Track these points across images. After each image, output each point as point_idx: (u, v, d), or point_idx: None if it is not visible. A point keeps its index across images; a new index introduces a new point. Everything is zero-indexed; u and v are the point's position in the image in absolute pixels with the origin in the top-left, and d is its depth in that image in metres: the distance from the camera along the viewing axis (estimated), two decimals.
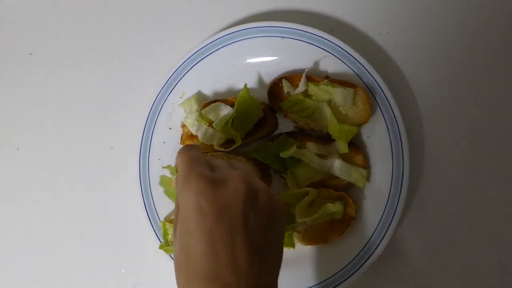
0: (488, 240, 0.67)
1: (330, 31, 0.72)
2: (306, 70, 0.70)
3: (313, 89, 0.68)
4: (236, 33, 0.75)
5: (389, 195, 0.66)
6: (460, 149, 0.70)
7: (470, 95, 0.71)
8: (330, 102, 0.68)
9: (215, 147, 0.71)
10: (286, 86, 0.70)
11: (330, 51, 0.70)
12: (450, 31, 0.73)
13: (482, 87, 0.71)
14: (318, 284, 0.67)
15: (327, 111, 0.67)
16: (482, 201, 0.68)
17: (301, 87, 0.69)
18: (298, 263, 0.69)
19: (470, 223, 0.68)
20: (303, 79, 0.68)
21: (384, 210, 0.66)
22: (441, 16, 0.74)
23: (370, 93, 0.68)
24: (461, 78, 0.72)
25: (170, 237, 0.73)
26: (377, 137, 0.68)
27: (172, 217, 0.75)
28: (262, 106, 0.71)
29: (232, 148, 0.71)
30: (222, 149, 0.71)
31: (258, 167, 0.71)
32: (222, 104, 0.72)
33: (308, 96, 0.70)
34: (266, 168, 0.74)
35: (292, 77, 0.71)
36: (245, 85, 0.70)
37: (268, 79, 0.75)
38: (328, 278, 0.67)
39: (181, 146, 0.76)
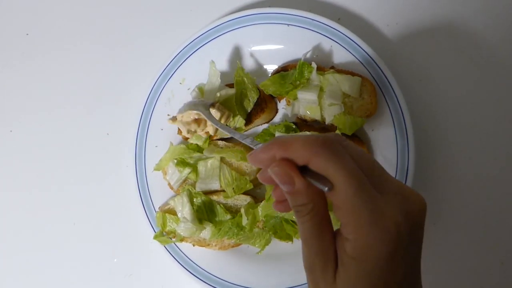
0: (490, 242, 0.66)
1: (337, 20, 0.71)
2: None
3: (318, 77, 0.66)
4: (239, 19, 0.73)
5: None
6: (466, 148, 0.69)
7: (482, 93, 0.69)
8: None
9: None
10: None
11: (337, 41, 0.69)
12: (463, 23, 0.71)
13: (493, 83, 0.69)
14: None
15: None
16: (485, 202, 0.67)
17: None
18: (297, 258, 0.67)
19: (472, 223, 0.67)
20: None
21: None
22: (453, 7, 0.72)
23: (377, 85, 0.66)
24: (473, 74, 0.70)
25: (168, 228, 0.71)
26: (382, 131, 0.67)
27: (168, 207, 0.73)
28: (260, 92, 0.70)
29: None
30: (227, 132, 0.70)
31: None
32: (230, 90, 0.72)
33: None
34: None
35: (294, 66, 0.69)
36: (238, 64, 0.70)
37: (271, 67, 0.74)
38: None
39: (178, 134, 0.74)
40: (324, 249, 0.39)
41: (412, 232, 0.38)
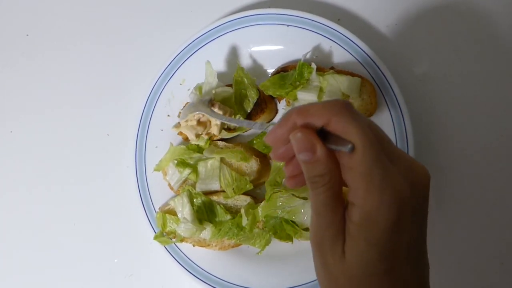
0: (490, 242, 0.66)
1: (337, 21, 0.71)
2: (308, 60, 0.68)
3: (318, 78, 0.66)
4: (239, 19, 0.73)
5: None
6: (466, 147, 0.69)
7: (482, 92, 0.69)
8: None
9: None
10: None
11: (337, 41, 0.69)
12: (462, 24, 0.71)
13: (494, 83, 0.69)
14: (316, 280, 0.65)
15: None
16: (485, 203, 0.67)
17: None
18: (297, 258, 0.68)
19: (473, 224, 0.67)
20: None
21: None
22: (452, 8, 0.72)
23: (377, 85, 0.66)
24: (474, 75, 0.70)
25: (168, 229, 0.71)
26: None
27: (168, 207, 0.73)
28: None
29: (234, 135, 0.70)
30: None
31: (258, 156, 0.69)
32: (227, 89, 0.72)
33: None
34: (266, 158, 0.72)
35: (294, 66, 0.69)
36: (238, 64, 0.70)
37: (271, 68, 0.74)
38: None
39: (179, 135, 0.74)
40: (336, 222, 0.39)
41: (417, 201, 0.39)
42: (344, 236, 0.39)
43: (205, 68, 0.71)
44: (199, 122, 0.70)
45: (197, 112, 0.68)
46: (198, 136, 0.71)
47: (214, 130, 0.70)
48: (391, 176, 0.37)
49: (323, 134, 0.39)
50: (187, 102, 0.74)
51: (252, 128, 0.52)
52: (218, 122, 0.69)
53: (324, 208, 0.40)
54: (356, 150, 0.37)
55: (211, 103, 0.68)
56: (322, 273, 0.42)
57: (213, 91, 0.71)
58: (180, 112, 0.75)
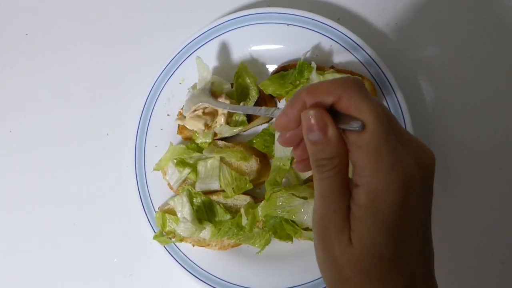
0: (490, 242, 0.66)
1: (337, 20, 0.71)
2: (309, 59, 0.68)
3: (318, 77, 0.66)
4: (239, 18, 0.73)
5: None
6: (467, 147, 0.68)
7: (483, 92, 0.69)
8: None
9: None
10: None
11: (337, 40, 0.69)
12: (462, 23, 0.71)
13: (494, 83, 0.69)
14: (316, 280, 0.65)
15: None
16: (485, 202, 0.67)
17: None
18: (297, 258, 0.68)
19: (473, 224, 0.67)
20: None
21: None
22: (452, 7, 0.72)
23: (377, 84, 0.66)
24: (474, 74, 0.70)
25: (167, 228, 0.71)
26: None
27: (167, 207, 0.73)
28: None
29: (237, 131, 0.70)
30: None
31: (258, 156, 0.69)
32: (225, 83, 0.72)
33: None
34: (266, 158, 0.72)
35: (294, 65, 0.68)
36: (242, 63, 0.70)
37: (271, 67, 0.74)
38: None
39: (178, 135, 0.74)
40: (343, 208, 0.38)
41: (425, 184, 0.38)
42: (350, 223, 0.38)
43: (196, 64, 0.71)
44: (205, 113, 0.70)
45: (200, 103, 0.67)
46: (207, 126, 0.70)
47: (221, 120, 0.70)
48: (400, 156, 0.36)
49: (332, 115, 0.37)
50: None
51: (258, 114, 0.52)
52: (225, 111, 0.68)
53: (331, 193, 0.38)
54: (367, 127, 0.36)
55: (211, 92, 0.68)
56: (326, 263, 0.39)
57: (210, 84, 0.70)
58: (180, 112, 0.75)
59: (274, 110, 0.46)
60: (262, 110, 0.51)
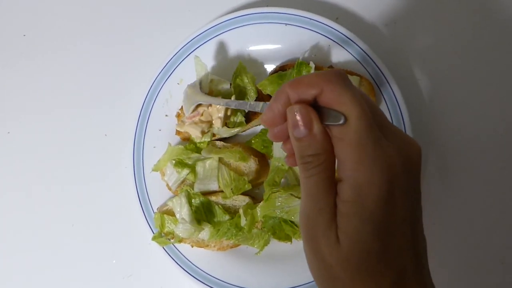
0: (490, 241, 0.66)
1: (335, 20, 0.70)
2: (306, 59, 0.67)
3: None
4: (236, 19, 0.72)
5: None
6: (466, 146, 0.68)
7: (482, 92, 0.69)
8: None
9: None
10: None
11: (335, 40, 0.68)
12: (462, 22, 0.71)
13: (494, 82, 0.69)
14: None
15: None
16: (485, 202, 0.67)
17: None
18: (296, 258, 0.67)
19: (473, 223, 0.67)
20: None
21: None
22: (452, 7, 0.71)
23: (375, 84, 0.66)
24: (473, 73, 0.70)
25: (166, 229, 0.71)
26: None
27: (166, 208, 0.73)
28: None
29: (235, 132, 0.70)
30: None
31: (256, 156, 0.69)
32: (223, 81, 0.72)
33: None
34: (264, 158, 0.72)
35: (292, 65, 0.68)
36: (240, 62, 0.70)
37: (269, 67, 0.73)
38: None
39: (177, 135, 0.74)
40: (330, 206, 0.37)
41: (409, 177, 0.38)
42: (336, 221, 0.37)
43: (194, 64, 0.70)
44: (201, 121, 0.69)
45: (197, 103, 0.66)
46: (203, 133, 0.70)
47: (218, 123, 0.69)
48: (382, 148, 0.36)
49: (317, 111, 0.37)
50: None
51: (249, 109, 0.52)
52: (221, 115, 0.68)
53: (317, 191, 0.37)
54: (349, 120, 0.35)
55: (209, 90, 0.67)
56: (315, 263, 0.39)
57: (209, 81, 0.70)
58: (178, 113, 0.75)
59: (263, 105, 0.45)
60: (252, 105, 0.51)
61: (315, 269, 0.39)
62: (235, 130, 0.70)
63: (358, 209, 0.36)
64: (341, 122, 0.35)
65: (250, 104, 0.53)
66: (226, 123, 0.71)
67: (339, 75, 0.37)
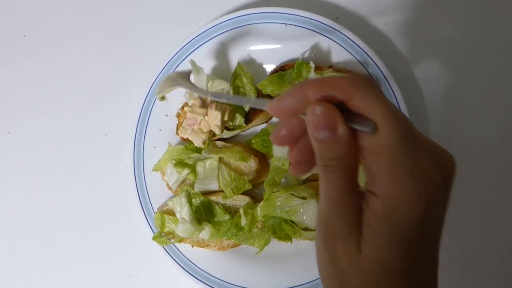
0: (490, 241, 0.66)
1: (335, 19, 0.70)
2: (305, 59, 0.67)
3: (316, 77, 0.66)
4: (236, 19, 0.72)
5: None
6: (466, 146, 0.68)
7: (482, 91, 0.69)
8: None
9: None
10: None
11: (335, 40, 0.68)
12: (461, 23, 0.71)
13: (494, 82, 0.69)
14: (316, 280, 0.65)
15: None
16: (485, 202, 0.67)
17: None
18: (297, 258, 0.68)
19: (473, 223, 0.67)
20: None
21: None
22: (451, 8, 0.71)
23: None
24: (473, 73, 0.70)
25: (166, 229, 0.71)
26: None
27: (166, 207, 0.73)
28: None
29: (234, 133, 0.70)
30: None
31: (257, 156, 0.69)
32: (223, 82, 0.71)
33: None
34: (264, 158, 0.72)
35: (292, 65, 0.68)
36: (239, 62, 0.70)
37: (269, 67, 0.73)
38: None
39: (177, 135, 0.74)
40: (352, 212, 0.34)
41: (445, 192, 0.35)
42: (361, 229, 0.34)
43: (191, 68, 0.70)
44: (201, 131, 0.69)
45: (177, 85, 0.61)
46: (205, 143, 0.70)
47: (216, 130, 0.69)
48: (420, 163, 0.32)
49: (340, 110, 0.33)
50: (185, 102, 0.73)
51: (246, 105, 0.46)
52: (218, 122, 0.68)
53: (339, 197, 0.34)
54: (381, 130, 0.32)
55: (188, 75, 0.64)
56: (330, 271, 0.36)
57: (209, 83, 0.70)
58: (178, 113, 0.75)
59: (265, 102, 0.39)
60: (251, 100, 0.47)
61: (326, 272, 0.37)
62: (235, 132, 0.71)
63: (389, 226, 0.33)
64: (370, 129, 0.32)
65: (248, 99, 0.48)
66: (227, 124, 0.71)
67: (371, 81, 0.34)
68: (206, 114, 0.68)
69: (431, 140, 0.36)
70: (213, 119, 0.68)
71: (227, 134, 0.70)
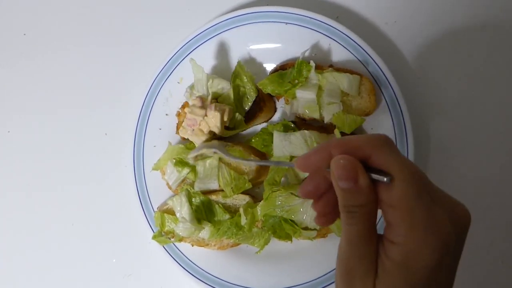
0: (490, 241, 0.66)
1: (336, 18, 0.70)
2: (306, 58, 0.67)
3: (317, 76, 0.66)
4: (236, 18, 0.73)
5: None
6: (466, 146, 0.68)
7: (482, 90, 0.69)
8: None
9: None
10: None
11: (336, 39, 0.68)
12: (460, 22, 0.71)
13: (494, 81, 0.69)
14: (316, 279, 0.65)
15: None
16: (485, 201, 0.67)
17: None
18: (297, 257, 0.68)
19: (473, 223, 0.66)
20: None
21: None
22: (450, 6, 0.71)
23: (376, 83, 0.66)
24: (473, 72, 0.70)
25: (166, 228, 0.70)
26: (381, 130, 0.66)
27: (166, 207, 0.72)
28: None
29: (233, 133, 0.70)
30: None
31: (257, 155, 0.69)
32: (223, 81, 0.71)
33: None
34: (265, 157, 0.72)
35: (293, 64, 0.68)
36: (239, 61, 0.70)
37: (270, 66, 0.73)
38: (326, 274, 0.65)
39: (177, 134, 0.74)
40: (370, 254, 0.38)
41: (459, 241, 0.38)
42: (376, 269, 0.38)
43: (191, 67, 0.70)
44: (202, 132, 0.69)
45: (213, 149, 0.68)
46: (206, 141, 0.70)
47: (216, 130, 0.69)
48: (435, 215, 0.36)
49: (361, 163, 0.38)
50: (186, 102, 0.73)
51: (278, 166, 0.59)
52: (218, 124, 0.68)
53: (358, 240, 0.38)
54: (397, 184, 0.36)
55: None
56: None
57: (209, 82, 0.70)
58: (178, 112, 0.75)
59: (295, 161, 0.45)
60: (282, 162, 0.55)
61: None
62: (235, 131, 0.71)
63: (404, 272, 0.36)
64: (386, 179, 0.36)
65: (283, 163, 0.57)
66: (227, 124, 0.70)
67: (388, 141, 0.38)
68: (206, 114, 0.69)
69: (447, 193, 0.39)
70: (213, 119, 0.68)
71: (227, 134, 0.70)
